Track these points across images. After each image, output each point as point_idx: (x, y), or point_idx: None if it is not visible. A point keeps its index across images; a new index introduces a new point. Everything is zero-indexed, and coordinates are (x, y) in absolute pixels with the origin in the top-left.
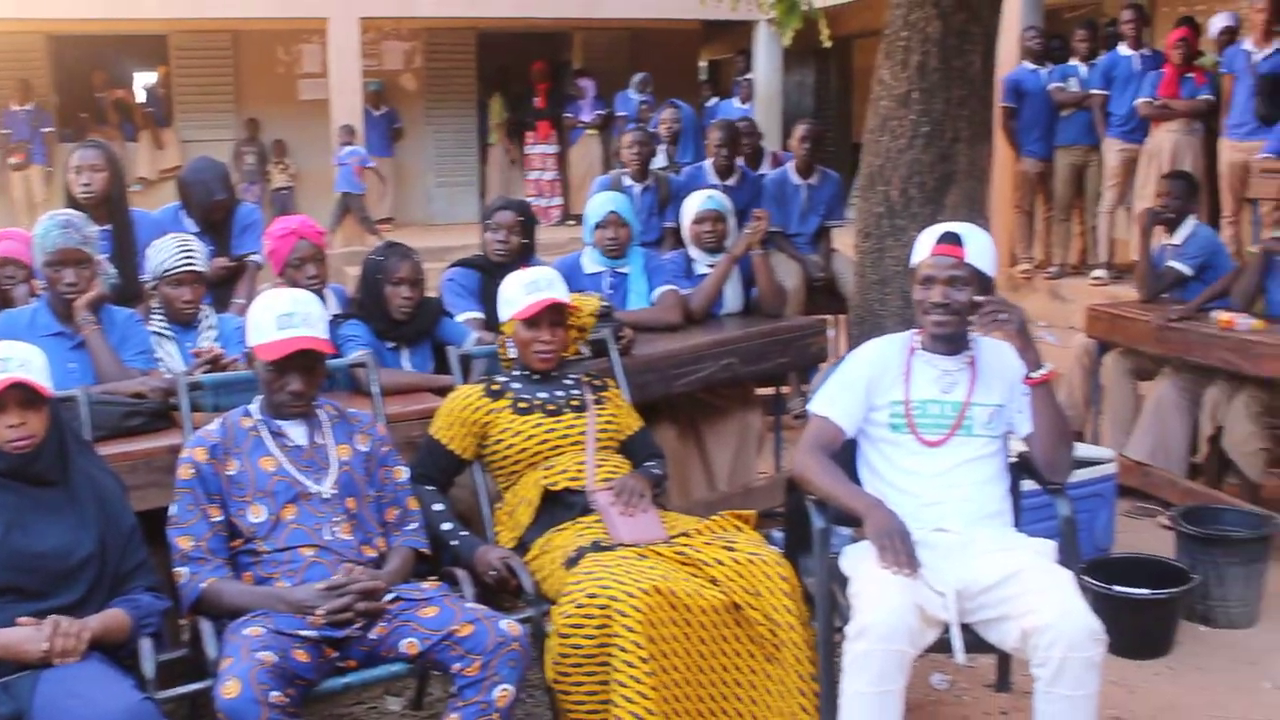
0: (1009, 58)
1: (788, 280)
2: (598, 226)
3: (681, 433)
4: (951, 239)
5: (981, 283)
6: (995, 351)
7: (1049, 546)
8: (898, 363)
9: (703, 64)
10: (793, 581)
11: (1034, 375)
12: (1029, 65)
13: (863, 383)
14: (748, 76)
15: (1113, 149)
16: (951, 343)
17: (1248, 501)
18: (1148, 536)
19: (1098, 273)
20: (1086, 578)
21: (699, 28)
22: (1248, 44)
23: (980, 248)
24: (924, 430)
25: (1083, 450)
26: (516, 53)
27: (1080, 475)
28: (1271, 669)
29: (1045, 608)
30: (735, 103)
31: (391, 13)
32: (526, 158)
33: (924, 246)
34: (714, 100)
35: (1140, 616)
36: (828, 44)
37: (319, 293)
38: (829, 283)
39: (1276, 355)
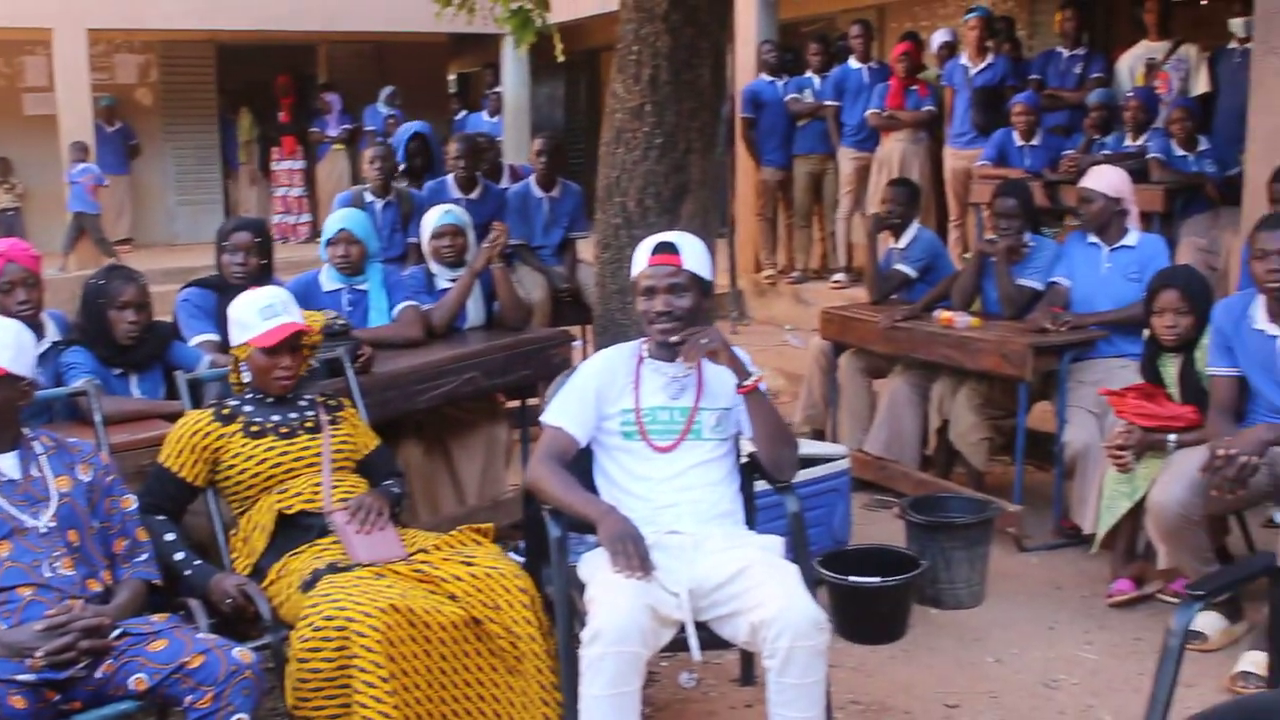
0: (747, 70)
1: (534, 292)
2: (329, 243)
3: (428, 448)
4: (667, 248)
5: (700, 288)
6: None
7: (777, 542)
8: (626, 371)
9: (452, 77)
10: (532, 593)
11: (743, 384)
12: (766, 78)
13: (592, 392)
14: (496, 89)
15: (847, 157)
16: (669, 349)
17: (974, 489)
18: (885, 527)
19: (837, 276)
20: (823, 569)
21: (446, 41)
22: (964, 59)
23: (696, 254)
24: (655, 436)
25: (819, 448)
26: (259, 66)
27: (816, 472)
28: (994, 644)
29: (771, 601)
30: (484, 116)
31: (121, 24)
32: (273, 174)
33: (641, 258)
34: (463, 113)
35: (875, 604)
36: (561, 58)
37: (33, 319)
38: (575, 293)
39: (991, 350)
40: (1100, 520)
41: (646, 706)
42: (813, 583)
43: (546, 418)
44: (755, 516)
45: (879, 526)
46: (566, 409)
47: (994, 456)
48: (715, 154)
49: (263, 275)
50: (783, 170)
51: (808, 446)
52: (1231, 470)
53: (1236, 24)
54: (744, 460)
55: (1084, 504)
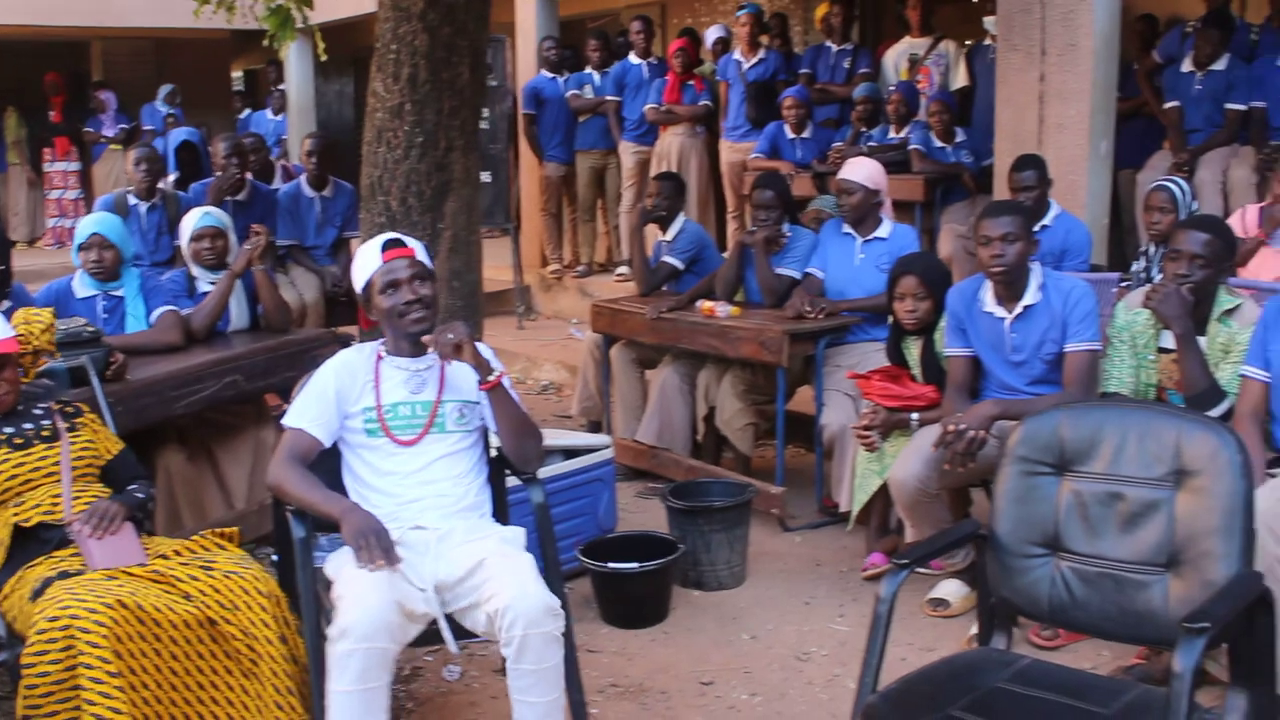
0: (528, 67)
1: (307, 293)
2: (81, 248)
3: (192, 454)
4: (396, 244)
5: (433, 280)
6: None
7: (519, 533)
8: (366, 370)
9: (237, 74)
10: (276, 595)
11: (486, 380)
12: (547, 74)
13: (332, 392)
14: (280, 87)
15: (628, 152)
16: (415, 345)
17: (742, 473)
18: (657, 514)
19: (622, 269)
20: (585, 557)
21: (229, 37)
22: (738, 54)
23: (420, 248)
24: (398, 431)
25: (583, 438)
26: (28, 63)
27: (582, 462)
28: (751, 622)
29: (504, 591)
30: (268, 114)
31: None
32: (46, 176)
33: (372, 258)
34: (247, 112)
35: (635, 588)
36: (324, 58)
37: None
38: (349, 293)
39: (750, 339)
40: (854, 498)
41: (409, 701)
42: (558, 572)
43: (287, 420)
44: (507, 508)
45: (651, 514)
46: (306, 410)
47: (761, 441)
48: (477, 151)
49: (2, 283)
50: (566, 166)
51: (573, 438)
52: (961, 444)
53: (990, 22)
54: (495, 454)
55: (841, 483)
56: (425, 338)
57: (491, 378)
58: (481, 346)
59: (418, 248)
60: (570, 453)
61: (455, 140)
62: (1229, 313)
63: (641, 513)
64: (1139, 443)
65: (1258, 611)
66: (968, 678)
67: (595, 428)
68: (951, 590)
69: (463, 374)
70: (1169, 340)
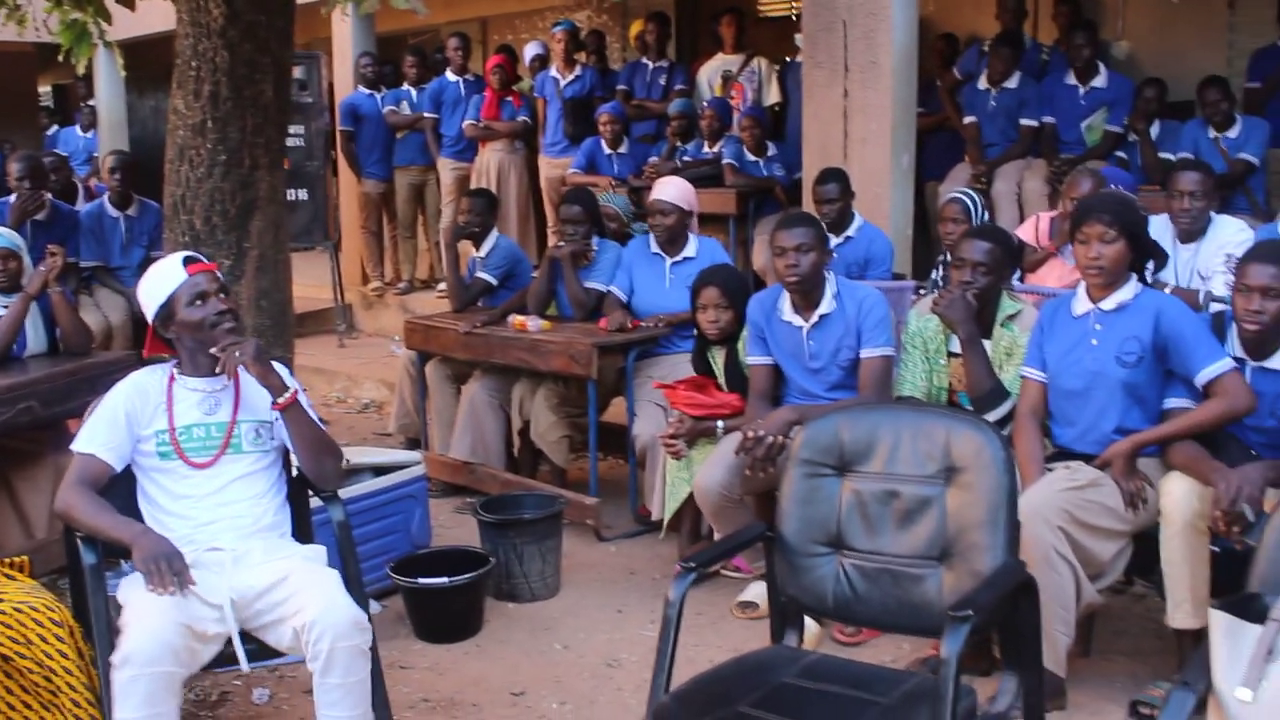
0: (345, 84)
1: (113, 315)
2: None
3: None
4: (193, 259)
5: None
6: None
7: (320, 551)
8: (158, 392)
9: (46, 89)
10: (69, 624)
11: (279, 400)
12: (365, 90)
13: (123, 416)
14: (90, 103)
15: (447, 168)
16: (216, 362)
17: (558, 485)
18: (473, 529)
19: (443, 285)
20: (395, 574)
21: (33, 51)
22: (555, 71)
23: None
24: (192, 454)
25: (394, 455)
26: None
27: (392, 479)
28: (564, 632)
29: (311, 605)
30: (78, 130)
31: None
32: None
33: (174, 275)
34: (55, 128)
35: (447, 603)
36: (124, 73)
37: None
38: None
39: (561, 352)
40: (665, 506)
41: None
42: (361, 590)
43: (76, 445)
44: (310, 527)
45: (468, 529)
46: (96, 435)
47: (577, 453)
48: (283, 169)
49: None
50: (384, 182)
51: (384, 455)
52: (760, 450)
53: (802, 37)
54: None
55: (653, 492)
56: (214, 348)
57: (284, 397)
58: (277, 366)
59: (209, 264)
60: (381, 470)
61: (260, 158)
62: (1011, 317)
63: (459, 528)
64: (912, 442)
65: (1022, 598)
66: (757, 675)
67: (414, 444)
68: (760, 593)
69: (259, 393)
70: (958, 345)
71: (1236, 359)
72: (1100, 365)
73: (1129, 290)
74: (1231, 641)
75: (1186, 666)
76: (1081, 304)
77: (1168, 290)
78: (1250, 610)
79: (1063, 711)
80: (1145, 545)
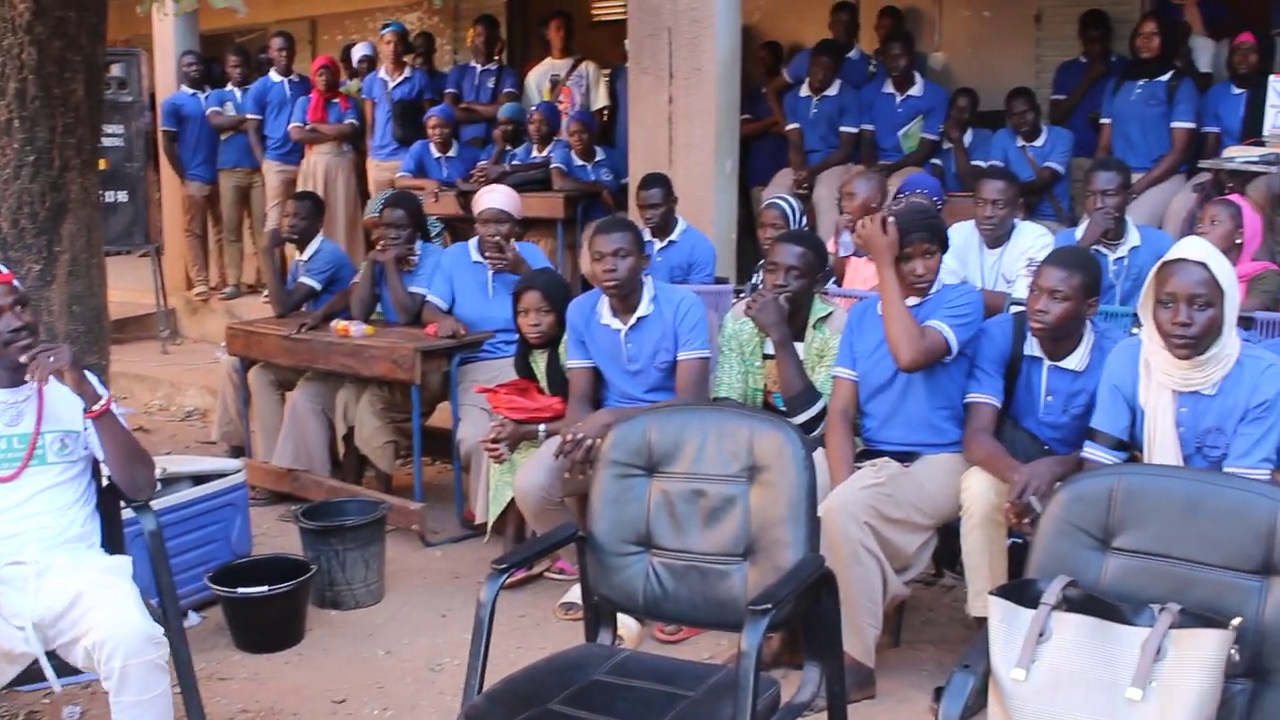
0: (167, 83)
1: None
2: None
3: None
4: None
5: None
6: None
7: (124, 562)
8: None
9: None
10: None
11: (92, 409)
12: (188, 90)
13: None
14: None
15: (272, 171)
16: (16, 372)
17: (384, 491)
18: (295, 537)
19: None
20: (213, 584)
21: None
22: (383, 73)
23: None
24: None
25: (212, 463)
26: None
27: (210, 488)
28: (387, 638)
29: (102, 623)
30: None
31: None
32: None
33: None
34: None
35: (267, 612)
36: None
37: None
38: None
39: (384, 357)
40: (489, 510)
41: None
42: (174, 600)
43: None
44: (122, 537)
45: (293, 537)
46: None
47: (402, 458)
48: (96, 171)
49: None
50: (209, 184)
51: (202, 463)
52: (579, 452)
53: (629, 43)
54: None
55: (478, 496)
56: (23, 357)
57: (98, 405)
58: (88, 373)
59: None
60: (201, 478)
61: (71, 159)
62: (824, 320)
63: (283, 536)
64: (717, 442)
65: (823, 591)
66: (568, 673)
67: (238, 452)
68: (580, 594)
69: (64, 403)
70: (773, 347)
71: (1035, 358)
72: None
73: (931, 292)
74: (1008, 625)
75: (968, 651)
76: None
77: None
78: (1025, 596)
79: (872, 700)
80: (953, 538)
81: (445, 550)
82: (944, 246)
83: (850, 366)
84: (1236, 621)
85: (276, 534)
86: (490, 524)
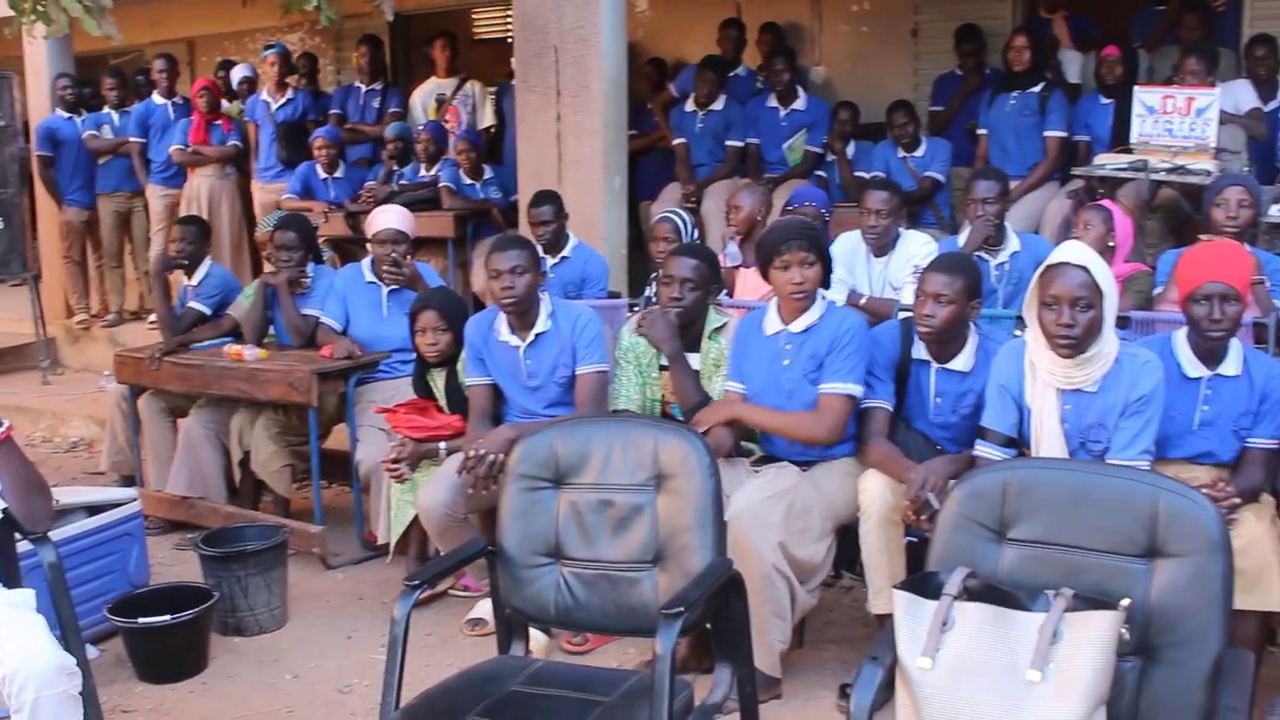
0: (41, 107)
1: None
2: None
3: None
4: None
5: None
6: None
7: (27, 595)
8: None
9: None
10: None
11: None
12: (63, 114)
13: None
14: None
15: (156, 195)
16: None
17: (282, 516)
18: (195, 565)
19: (154, 317)
20: (112, 615)
21: None
22: (265, 94)
23: None
24: None
25: (107, 494)
26: None
27: (105, 518)
28: (293, 662)
29: (12, 656)
30: None
31: None
32: None
33: None
34: None
35: (168, 641)
36: None
37: None
38: None
39: (279, 380)
40: (391, 529)
41: None
42: (77, 633)
43: None
44: (18, 571)
45: (190, 565)
46: None
47: (299, 482)
48: None
49: None
50: (88, 210)
51: (96, 494)
52: (482, 468)
53: (515, 62)
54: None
55: (379, 517)
56: None
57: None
58: None
59: None
60: (95, 509)
61: None
62: (719, 330)
63: (181, 565)
64: (623, 453)
65: (732, 595)
66: (484, 685)
67: (129, 482)
68: (488, 610)
69: None
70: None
71: (923, 361)
72: (794, 385)
73: (816, 311)
74: (912, 617)
75: (875, 644)
76: (773, 323)
77: (862, 301)
78: (928, 588)
79: (779, 700)
80: (850, 541)
81: (347, 572)
82: (823, 257)
83: (740, 380)
84: (1125, 602)
85: (173, 563)
86: (392, 544)
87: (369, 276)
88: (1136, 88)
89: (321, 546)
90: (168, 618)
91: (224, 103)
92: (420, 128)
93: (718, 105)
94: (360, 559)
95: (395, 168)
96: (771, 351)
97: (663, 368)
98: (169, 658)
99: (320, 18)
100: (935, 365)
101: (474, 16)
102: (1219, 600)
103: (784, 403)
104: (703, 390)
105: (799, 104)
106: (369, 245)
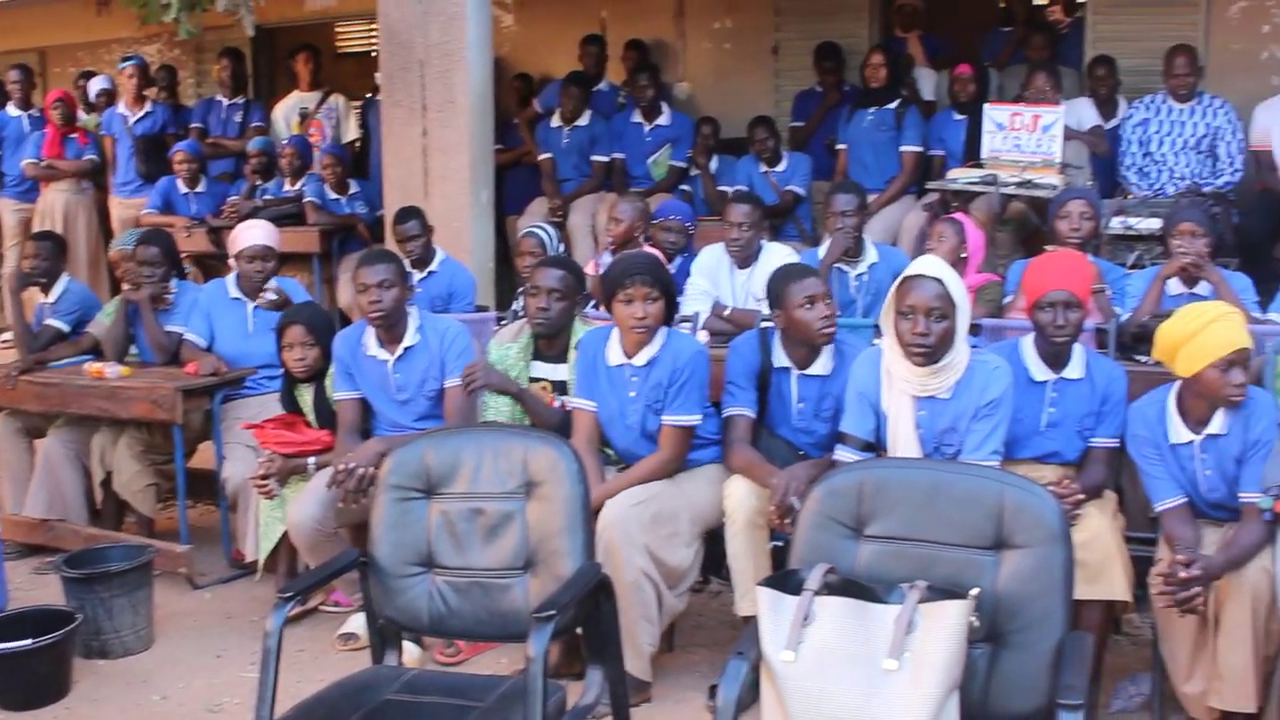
0: None
1: None
2: None
3: None
4: None
5: None
6: None
7: None
8: None
9: None
10: None
11: None
12: None
13: None
14: None
15: (8, 210)
16: None
17: (147, 536)
18: (55, 588)
19: (6, 336)
20: None
21: None
22: (123, 107)
23: None
24: None
25: None
26: None
27: None
28: (161, 683)
29: None
30: None
31: None
32: None
33: None
34: None
35: (28, 667)
36: None
37: None
38: None
39: (142, 398)
40: (260, 547)
41: None
42: None
43: None
44: None
45: (52, 589)
46: None
47: (164, 501)
48: None
49: None
50: None
51: None
52: (351, 482)
53: (381, 77)
54: None
55: (247, 534)
56: None
57: None
58: None
59: None
60: None
61: None
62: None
63: (41, 589)
64: (494, 461)
65: (602, 599)
66: (359, 695)
67: None
68: (360, 624)
69: None
70: (539, 370)
71: (784, 368)
72: (640, 416)
73: (658, 343)
74: (775, 612)
75: (740, 640)
76: (615, 355)
77: (726, 313)
78: (789, 584)
79: (649, 703)
80: (718, 546)
81: (215, 591)
82: (667, 293)
83: (588, 398)
84: (975, 592)
85: (32, 588)
86: (261, 561)
87: (234, 292)
88: (986, 105)
89: (188, 566)
90: (28, 642)
91: (80, 115)
92: (284, 142)
93: (583, 121)
94: (228, 578)
95: (259, 183)
96: (618, 382)
97: (532, 379)
98: (30, 683)
99: (179, 30)
100: (796, 371)
101: (338, 30)
102: (1060, 587)
103: (630, 433)
104: (557, 411)
105: (663, 119)
106: (233, 261)
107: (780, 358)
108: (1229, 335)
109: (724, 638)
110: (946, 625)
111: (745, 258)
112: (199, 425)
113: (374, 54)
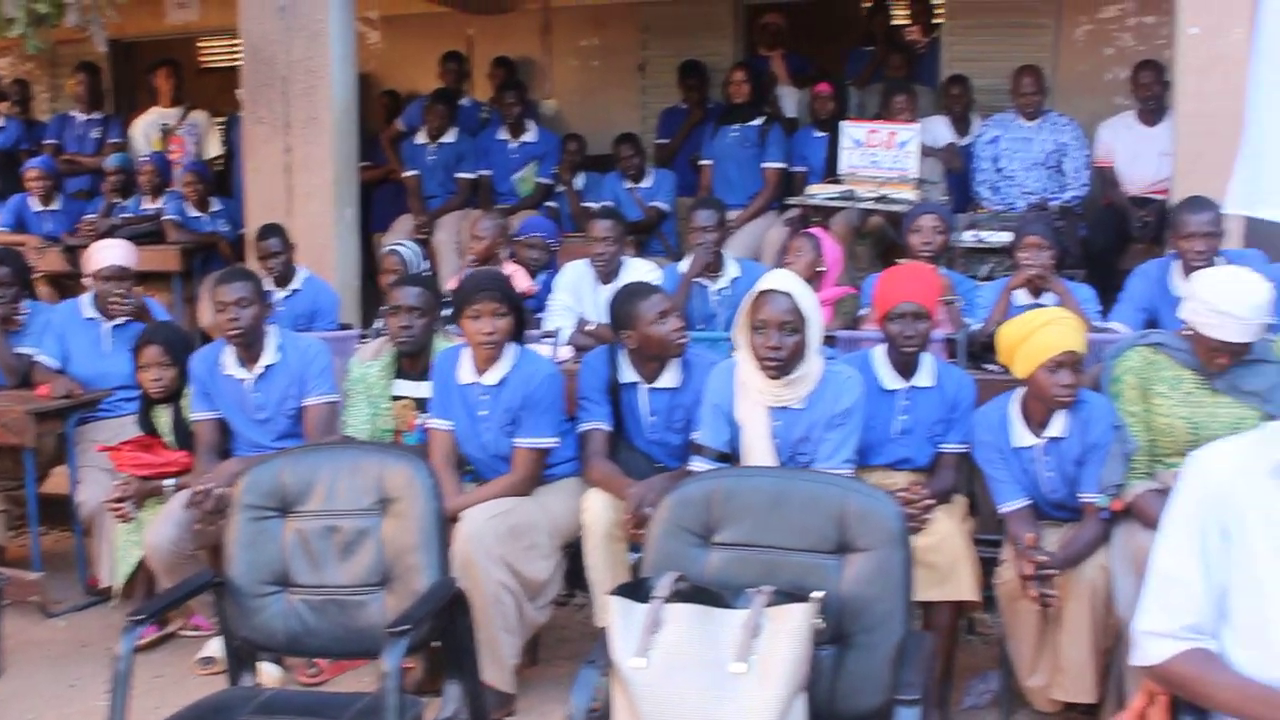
0: None
1: None
2: None
3: None
4: None
5: None
6: None
7: None
8: None
9: None
10: None
11: None
12: None
13: None
14: None
15: None
16: None
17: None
18: None
19: None
20: None
21: None
22: None
23: None
24: None
25: None
26: None
27: None
28: (10, 715)
29: None
30: None
31: None
32: None
33: None
34: None
35: None
36: None
37: None
38: None
39: None
40: (116, 572)
41: None
42: None
43: None
44: None
45: None
46: None
47: (15, 528)
48: None
49: None
50: None
51: None
52: (209, 503)
53: (243, 93)
54: None
55: (103, 560)
56: None
57: None
58: None
59: None
60: None
61: None
62: None
63: None
64: (350, 479)
65: (458, 612)
66: (214, 716)
67: None
68: (219, 648)
69: None
70: (402, 388)
71: (632, 383)
72: (492, 437)
73: (508, 362)
74: (625, 620)
75: (593, 650)
76: (467, 373)
77: (589, 328)
78: (640, 592)
79: (513, 716)
80: (581, 559)
81: (70, 620)
82: (515, 309)
83: (445, 416)
84: (818, 595)
85: None
86: (118, 587)
87: (89, 312)
88: (844, 122)
89: (41, 594)
90: None
91: None
92: (143, 159)
93: (449, 138)
94: (84, 605)
95: (117, 200)
96: (470, 400)
97: (394, 398)
98: None
99: (26, 45)
100: (645, 385)
101: (200, 45)
102: (900, 588)
103: (484, 452)
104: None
105: (529, 136)
106: (89, 281)
107: (628, 373)
108: (1059, 338)
109: (588, 650)
110: (791, 628)
111: (608, 272)
112: (52, 449)
113: (238, 69)
